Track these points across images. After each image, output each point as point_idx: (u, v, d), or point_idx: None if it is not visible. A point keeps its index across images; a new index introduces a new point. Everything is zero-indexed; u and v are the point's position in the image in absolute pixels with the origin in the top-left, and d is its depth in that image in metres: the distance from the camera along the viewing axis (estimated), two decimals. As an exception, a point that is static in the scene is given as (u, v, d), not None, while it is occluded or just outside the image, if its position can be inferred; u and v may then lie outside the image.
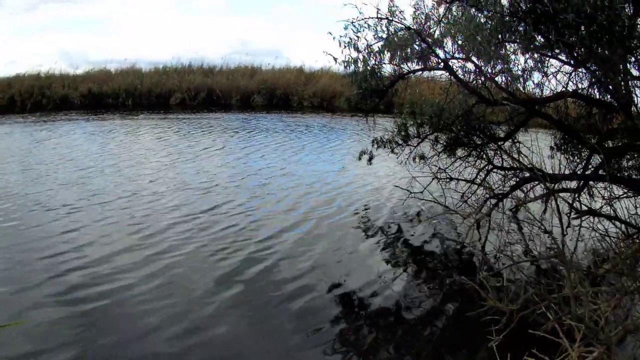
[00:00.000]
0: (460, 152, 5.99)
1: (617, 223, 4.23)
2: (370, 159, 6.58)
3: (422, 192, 6.06)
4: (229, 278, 4.47)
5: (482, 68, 5.03)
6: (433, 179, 6.06)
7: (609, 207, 4.30)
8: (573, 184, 4.96)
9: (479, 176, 5.85)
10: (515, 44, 4.59)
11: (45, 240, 5.32)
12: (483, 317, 3.23)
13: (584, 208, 4.42)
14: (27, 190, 7.33)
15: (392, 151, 6.26)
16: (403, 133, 6.10)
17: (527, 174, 5.26)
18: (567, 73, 4.52)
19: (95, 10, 37.50)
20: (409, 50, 5.43)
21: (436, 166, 6.04)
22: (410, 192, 6.30)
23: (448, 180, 6.02)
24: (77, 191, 7.28)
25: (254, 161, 9.75)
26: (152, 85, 19.30)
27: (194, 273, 4.58)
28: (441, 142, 5.97)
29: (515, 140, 5.63)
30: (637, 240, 3.96)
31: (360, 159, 6.64)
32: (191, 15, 37.39)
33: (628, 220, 4.10)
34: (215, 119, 15.95)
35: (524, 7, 3.71)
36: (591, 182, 4.81)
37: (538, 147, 5.35)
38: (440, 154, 6.02)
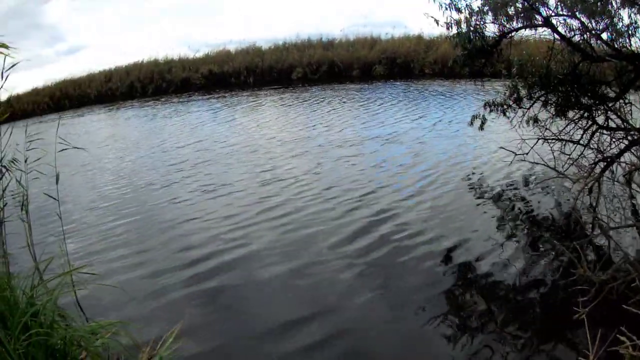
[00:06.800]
0: (571, 114, 5.63)
1: None
2: (482, 124, 6.13)
3: (526, 154, 5.98)
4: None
5: (587, 24, 4.85)
6: (538, 140, 5.88)
7: None
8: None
9: (584, 137, 5.52)
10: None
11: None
12: (572, 287, 3.17)
13: None
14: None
15: (504, 114, 5.98)
16: (515, 95, 5.81)
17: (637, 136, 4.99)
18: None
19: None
20: (511, 8, 5.40)
21: (547, 128, 5.78)
22: (515, 154, 6.16)
23: (556, 142, 5.79)
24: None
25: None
26: (272, 62, 19.77)
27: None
28: (551, 103, 5.64)
29: (627, 101, 5.18)
30: None
31: (472, 124, 6.26)
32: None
33: None
34: (338, 90, 16.14)
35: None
36: None
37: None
38: (554, 117, 5.70)
